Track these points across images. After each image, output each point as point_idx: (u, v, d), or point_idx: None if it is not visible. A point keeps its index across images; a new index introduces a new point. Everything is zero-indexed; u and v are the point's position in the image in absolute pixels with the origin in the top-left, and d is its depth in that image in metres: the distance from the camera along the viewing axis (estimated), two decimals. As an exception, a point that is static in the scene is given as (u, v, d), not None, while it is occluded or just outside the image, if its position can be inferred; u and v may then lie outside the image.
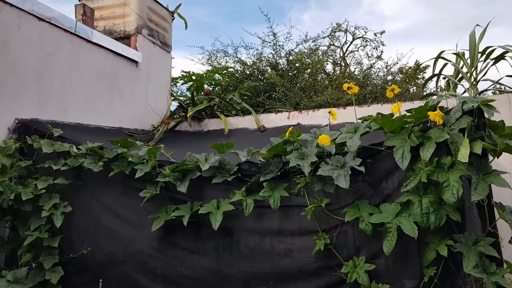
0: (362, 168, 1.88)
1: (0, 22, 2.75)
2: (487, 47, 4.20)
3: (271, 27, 8.53)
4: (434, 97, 5.49)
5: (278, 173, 2.15)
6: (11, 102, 2.82)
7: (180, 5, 5.04)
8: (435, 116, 1.71)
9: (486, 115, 1.68)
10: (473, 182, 1.59)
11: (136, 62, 4.19)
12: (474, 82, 4.20)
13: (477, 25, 4.17)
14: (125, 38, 4.26)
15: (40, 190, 2.45)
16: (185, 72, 5.52)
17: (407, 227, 1.69)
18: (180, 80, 5.79)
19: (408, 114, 1.93)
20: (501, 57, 4.16)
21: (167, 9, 4.82)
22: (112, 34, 4.28)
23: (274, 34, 8.50)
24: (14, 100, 2.84)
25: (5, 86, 2.79)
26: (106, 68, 3.78)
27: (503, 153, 1.76)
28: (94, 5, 4.33)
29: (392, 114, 1.98)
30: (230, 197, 2.21)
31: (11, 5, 2.83)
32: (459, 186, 1.57)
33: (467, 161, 1.52)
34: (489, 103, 1.69)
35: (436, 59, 4.61)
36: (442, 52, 4.62)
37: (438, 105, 1.86)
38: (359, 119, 2.15)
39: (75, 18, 3.81)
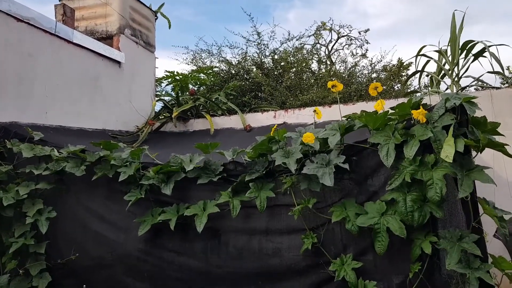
0: (346, 166, 1.89)
1: (-24, 23, 2.68)
2: (467, 42, 4.25)
3: (254, 27, 8.51)
4: (418, 94, 5.56)
5: (264, 172, 2.14)
6: (-10, 106, 2.75)
7: (163, 4, 4.99)
8: (418, 115, 1.72)
9: (468, 112, 1.70)
10: (459, 179, 1.60)
11: (119, 62, 4.13)
12: (456, 79, 4.26)
13: (456, 9, 4.21)
14: (107, 39, 4.19)
15: (22, 196, 2.39)
16: (169, 72, 5.47)
17: (395, 227, 1.71)
18: (165, 80, 5.73)
19: (391, 111, 1.94)
20: (481, 52, 4.22)
21: (150, 9, 4.76)
22: (94, 35, 4.21)
23: (258, 34, 8.48)
24: (-7, 103, 2.77)
25: (-17, 89, 2.71)
26: (88, 69, 3.71)
27: (486, 148, 1.78)
28: (75, 5, 4.25)
29: (376, 112, 1.98)
30: (216, 198, 2.19)
31: (-13, 5, 2.76)
32: (442, 184, 1.59)
33: (451, 161, 1.53)
34: (471, 100, 1.71)
35: (417, 55, 4.66)
36: (422, 48, 4.67)
37: (422, 102, 1.87)
38: (344, 117, 2.15)
39: (55, 18, 3.74)
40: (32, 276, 2.39)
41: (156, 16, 4.87)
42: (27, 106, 3.04)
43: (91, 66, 3.75)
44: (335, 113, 3.34)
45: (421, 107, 1.79)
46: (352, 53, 9.45)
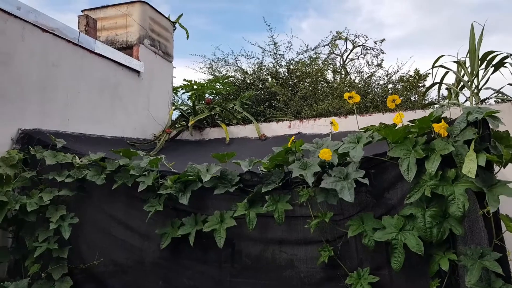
0: (366, 181, 1.88)
1: (4, 34, 2.77)
2: (487, 53, 4.20)
3: (272, 37, 8.56)
4: (436, 105, 5.50)
5: (280, 184, 2.15)
6: (15, 113, 2.83)
7: (181, 15, 5.08)
8: (439, 128, 1.71)
9: (491, 127, 1.68)
10: (486, 194, 1.57)
11: (138, 72, 4.21)
12: (475, 91, 4.20)
13: (474, 21, 4.17)
14: (127, 48, 4.28)
15: (45, 202, 2.45)
16: (187, 81, 5.54)
17: (413, 243, 1.69)
18: (182, 89, 5.80)
19: (411, 124, 1.93)
20: (501, 63, 4.16)
21: (169, 20, 4.85)
22: (114, 44, 4.31)
23: (275, 44, 8.53)
24: (17, 111, 2.85)
25: (9, 97, 2.80)
26: (108, 78, 3.80)
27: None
28: (97, 15, 4.36)
29: (395, 125, 1.97)
30: (232, 208, 2.20)
31: (15, 16, 2.85)
32: (464, 199, 1.57)
33: (474, 176, 1.51)
34: (494, 114, 1.69)
35: (434, 66, 4.61)
36: (438, 58, 4.62)
37: (442, 116, 1.86)
38: (361, 129, 2.14)
39: (78, 29, 3.84)
40: (55, 280, 2.43)
41: (174, 26, 4.96)
42: (50, 114, 3.12)
43: (111, 75, 3.83)
44: (351, 123, 3.32)
45: (442, 120, 1.77)
46: (368, 63, 9.42)
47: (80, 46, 3.43)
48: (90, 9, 4.43)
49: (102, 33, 4.38)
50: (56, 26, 3.20)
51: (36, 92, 3.02)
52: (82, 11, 4.41)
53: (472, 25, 4.20)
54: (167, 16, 4.80)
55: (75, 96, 3.38)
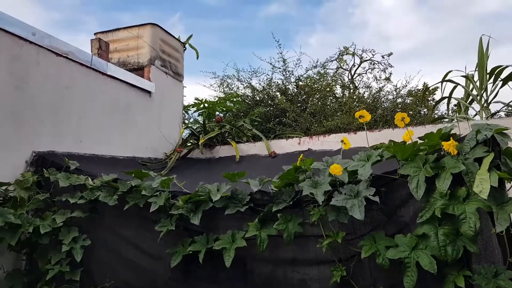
0: (376, 198, 1.87)
1: (20, 59, 2.86)
2: (495, 67, 4.19)
3: (281, 53, 8.67)
4: (446, 120, 5.47)
5: (291, 202, 2.15)
6: (29, 135, 2.90)
7: (191, 36, 5.20)
8: (449, 146, 1.71)
9: (500, 144, 1.68)
10: (494, 213, 1.56)
11: (149, 92, 4.29)
12: (485, 105, 4.19)
13: (483, 35, 4.18)
14: (138, 69, 4.37)
15: (58, 224, 2.48)
16: (197, 99, 5.62)
17: (426, 262, 1.67)
18: (193, 108, 5.88)
19: (420, 141, 1.93)
20: (509, 77, 4.14)
21: (179, 40, 4.95)
22: (126, 66, 4.40)
23: (284, 60, 8.63)
24: (31, 133, 2.92)
25: (24, 120, 2.87)
26: (120, 99, 3.87)
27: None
28: (109, 38, 4.47)
29: (404, 142, 1.98)
30: (243, 228, 2.21)
31: (31, 42, 2.94)
32: (476, 218, 1.55)
33: (486, 197, 1.50)
34: (503, 132, 1.69)
35: (443, 81, 4.61)
36: (447, 73, 4.63)
37: (451, 132, 1.86)
38: (371, 147, 2.15)
39: (91, 52, 3.94)
40: (67, 302, 2.44)
41: (184, 47, 5.06)
42: (63, 135, 3.18)
43: (123, 96, 3.91)
44: (361, 139, 3.32)
45: (451, 138, 1.77)
46: (376, 77, 9.45)
47: (92, 68, 3.51)
48: (102, 32, 4.55)
49: (114, 55, 4.49)
50: (70, 50, 3.29)
51: (50, 114, 3.09)
52: (94, 34, 4.54)
53: (480, 38, 4.21)
54: (177, 37, 4.91)
55: (88, 117, 3.45)
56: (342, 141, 2.27)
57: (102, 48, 3.83)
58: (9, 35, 2.79)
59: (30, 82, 2.94)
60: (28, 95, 2.92)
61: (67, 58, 3.26)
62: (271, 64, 8.82)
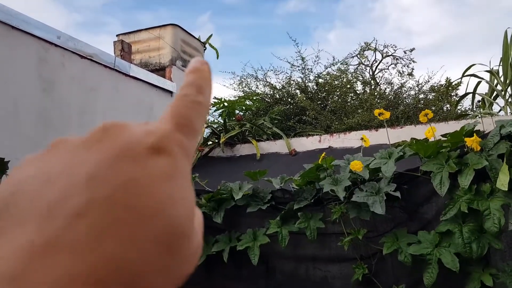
0: (397, 194, 1.87)
1: (47, 62, 2.96)
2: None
3: (299, 52, 8.63)
4: (469, 115, 5.34)
5: (312, 200, 2.16)
6: (57, 137, 2.99)
7: (211, 35, 5.24)
8: (472, 143, 1.68)
9: (525, 140, 1.65)
10: (511, 210, 1.54)
11: (171, 92, 4.36)
12: (509, 100, 4.08)
13: (508, 28, 4.06)
14: (160, 70, 4.45)
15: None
16: (217, 99, 5.67)
17: (448, 259, 1.66)
18: (213, 107, 5.93)
19: (443, 138, 1.91)
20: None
21: (199, 40, 5.01)
22: (148, 67, 4.49)
23: (303, 59, 8.58)
24: (59, 135, 3.00)
25: (52, 122, 2.97)
26: (143, 99, 3.96)
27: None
28: (131, 39, 4.57)
29: (427, 139, 1.96)
30: (265, 225, 2.23)
31: (56, 45, 3.05)
32: (500, 215, 1.53)
33: (506, 189, 1.48)
34: (527, 127, 1.65)
35: (465, 75, 4.51)
36: (470, 67, 4.52)
37: (475, 129, 1.83)
38: (392, 145, 2.14)
39: (114, 53, 4.04)
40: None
41: (204, 47, 5.12)
42: (89, 136, 3.27)
43: (145, 96, 3.99)
44: (382, 136, 3.29)
45: (474, 134, 1.75)
46: (399, 72, 9.28)
47: (116, 70, 3.60)
48: (124, 34, 4.65)
49: (136, 56, 4.58)
50: (93, 52, 3.38)
51: (76, 115, 3.19)
52: (116, 35, 4.64)
53: (505, 32, 4.10)
54: (197, 37, 4.97)
55: (112, 118, 3.54)
56: (362, 138, 2.27)
57: (124, 49, 3.92)
58: (36, 39, 2.89)
59: (56, 84, 3.04)
60: (56, 97, 3.03)
61: (91, 60, 3.36)
62: (289, 63, 8.80)
